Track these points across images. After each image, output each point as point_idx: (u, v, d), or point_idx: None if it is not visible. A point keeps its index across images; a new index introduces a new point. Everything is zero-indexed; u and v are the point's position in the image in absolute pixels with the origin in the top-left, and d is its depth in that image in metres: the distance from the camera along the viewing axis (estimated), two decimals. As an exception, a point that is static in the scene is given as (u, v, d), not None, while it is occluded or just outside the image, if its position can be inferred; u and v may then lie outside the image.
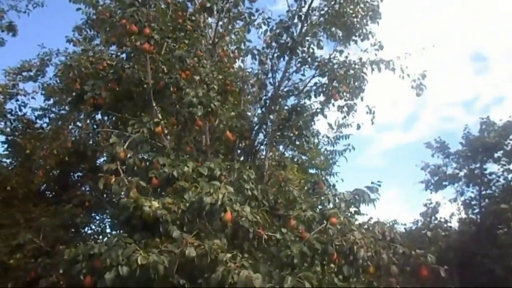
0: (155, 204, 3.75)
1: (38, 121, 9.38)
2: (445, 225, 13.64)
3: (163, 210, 3.74)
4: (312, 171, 11.56)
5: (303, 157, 11.77)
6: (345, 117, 6.68)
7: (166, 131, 5.80)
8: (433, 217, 13.67)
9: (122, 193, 4.08)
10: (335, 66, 6.23)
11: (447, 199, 14.80)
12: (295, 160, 10.80)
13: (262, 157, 6.46)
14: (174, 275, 3.35)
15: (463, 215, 14.47)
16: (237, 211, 3.85)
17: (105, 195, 8.17)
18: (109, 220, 7.98)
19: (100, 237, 7.65)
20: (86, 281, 3.71)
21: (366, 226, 4.51)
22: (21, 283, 6.65)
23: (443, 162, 14.83)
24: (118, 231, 3.93)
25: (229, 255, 3.33)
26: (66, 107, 9.11)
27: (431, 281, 11.07)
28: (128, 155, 4.41)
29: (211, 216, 3.70)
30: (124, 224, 3.96)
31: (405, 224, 14.22)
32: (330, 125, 10.26)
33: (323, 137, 9.81)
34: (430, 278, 10.96)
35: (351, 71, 6.25)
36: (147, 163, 4.73)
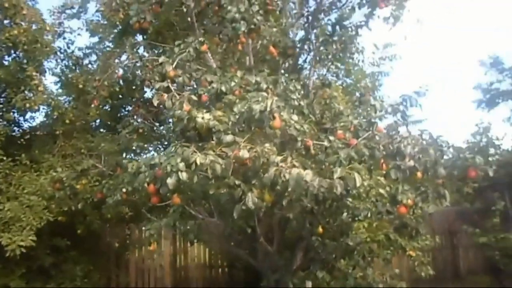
0: (207, 115, 3.96)
1: (86, 57, 9.78)
2: (496, 143, 13.19)
3: (215, 121, 3.94)
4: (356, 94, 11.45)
5: (348, 80, 11.65)
6: (391, 29, 6.46)
7: (209, 53, 5.89)
8: (484, 136, 13.23)
9: (175, 108, 4.28)
10: (380, -25, 5.93)
11: (500, 118, 14.32)
12: (340, 83, 10.70)
13: (306, 76, 6.45)
14: (229, 176, 3.59)
15: (516, 134, 14.00)
16: (284, 120, 3.99)
17: (155, 126, 8.59)
18: (162, 146, 8.44)
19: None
20: (150, 188, 4.05)
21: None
22: (89, 203, 7.31)
23: (497, 79, 14.15)
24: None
25: (279, 157, 3.51)
26: (110, 44, 9.39)
27: (481, 201, 10.97)
28: (178, 74, 4.59)
29: (261, 124, 3.86)
30: (179, 136, 4.23)
31: (447, 143, 13.89)
32: (375, 45, 10.01)
33: (365, 57, 9.62)
34: (479, 196, 10.83)
35: (397, -21, 5.97)
36: (195, 81, 4.91)
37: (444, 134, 4.40)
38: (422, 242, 7.68)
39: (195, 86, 5.24)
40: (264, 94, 4.04)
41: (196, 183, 3.73)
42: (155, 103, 4.36)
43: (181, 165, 3.62)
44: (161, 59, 4.70)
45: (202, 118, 3.91)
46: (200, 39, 5.00)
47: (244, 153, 3.48)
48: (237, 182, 3.62)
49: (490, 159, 4.34)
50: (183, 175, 3.61)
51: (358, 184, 3.11)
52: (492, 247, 9.31)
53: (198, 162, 3.42)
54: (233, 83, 4.54)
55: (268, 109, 3.70)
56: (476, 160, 4.13)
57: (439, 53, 28.63)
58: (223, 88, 4.51)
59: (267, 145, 3.63)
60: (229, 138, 3.77)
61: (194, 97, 4.35)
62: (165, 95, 4.32)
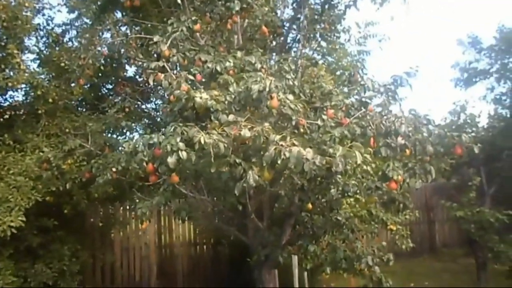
0: (205, 95, 4.00)
1: (66, 34, 9.53)
2: (473, 121, 13.57)
3: (212, 101, 3.99)
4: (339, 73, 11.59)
5: (330, 59, 11.76)
6: (378, 9, 6.54)
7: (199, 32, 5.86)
8: (461, 114, 13.57)
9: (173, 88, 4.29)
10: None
11: (477, 97, 14.66)
12: (322, 62, 10.80)
13: (296, 55, 6.50)
14: (231, 155, 3.67)
15: (492, 112, 14.36)
16: (280, 99, 4.07)
17: (143, 105, 8.52)
18: (150, 125, 8.41)
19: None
20: (149, 168, 4.09)
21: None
22: (77, 183, 7.27)
23: (475, 58, 14.38)
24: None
25: (279, 136, 3.61)
26: (88, 21, 9.15)
27: (457, 177, 11.38)
28: (172, 53, 4.59)
29: (259, 103, 3.93)
30: (177, 116, 4.26)
31: (433, 121, 14.23)
32: (357, 24, 10.10)
33: (351, 36, 9.71)
34: (456, 172, 11.24)
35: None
36: (189, 61, 4.89)
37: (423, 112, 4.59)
38: (403, 217, 8.02)
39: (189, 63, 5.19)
40: (261, 74, 4.10)
41: (194, 162, 3.80)
42: (151, 82, 4.36)
43: (181, 144, 3.67)
44: (156, 38, 4.67)
45: (201, 97, 3.95)
46: (193, 18, 4.98)
47: (246, 132, 3.55)
48: (237, 160, 3.70)
49: (467, 136, 4.55)
50: (183, 154, 3.67)
51: (359, 162, 3.25)
52: (468, 221, 9.75)
53: (202, 141, 3.48)
54: (227, 63, 4.58)
55: (267, 89, 3.78)
56: (462, 137, 4.33)
57: (420, 32, 28.96)
58: (218, 68, 4.54)
59: (266, 124, 3.71)
60: (230, 117, 3.84)
61: (191, 77, 4.37)
62: (161, 75, 4.33)
